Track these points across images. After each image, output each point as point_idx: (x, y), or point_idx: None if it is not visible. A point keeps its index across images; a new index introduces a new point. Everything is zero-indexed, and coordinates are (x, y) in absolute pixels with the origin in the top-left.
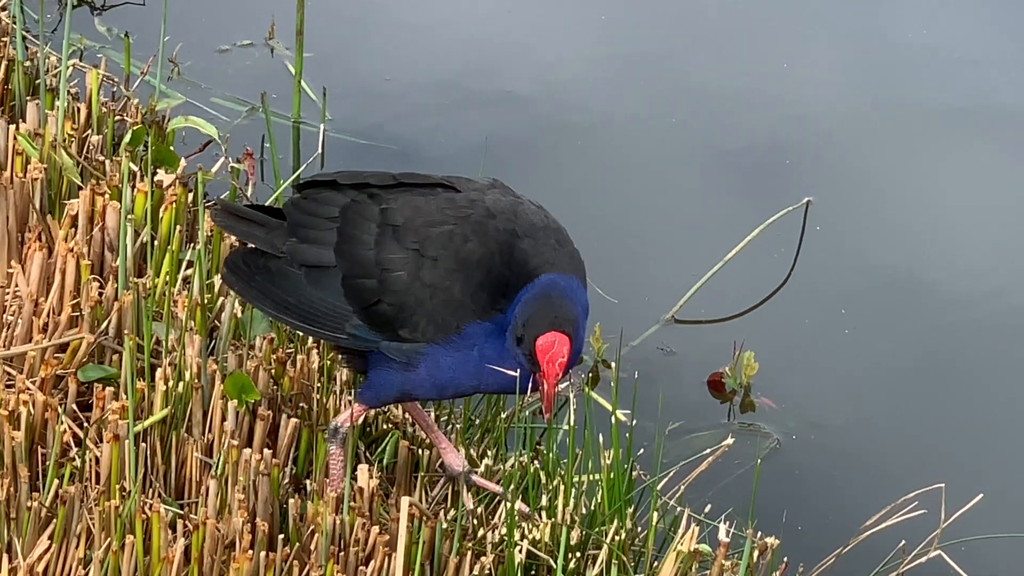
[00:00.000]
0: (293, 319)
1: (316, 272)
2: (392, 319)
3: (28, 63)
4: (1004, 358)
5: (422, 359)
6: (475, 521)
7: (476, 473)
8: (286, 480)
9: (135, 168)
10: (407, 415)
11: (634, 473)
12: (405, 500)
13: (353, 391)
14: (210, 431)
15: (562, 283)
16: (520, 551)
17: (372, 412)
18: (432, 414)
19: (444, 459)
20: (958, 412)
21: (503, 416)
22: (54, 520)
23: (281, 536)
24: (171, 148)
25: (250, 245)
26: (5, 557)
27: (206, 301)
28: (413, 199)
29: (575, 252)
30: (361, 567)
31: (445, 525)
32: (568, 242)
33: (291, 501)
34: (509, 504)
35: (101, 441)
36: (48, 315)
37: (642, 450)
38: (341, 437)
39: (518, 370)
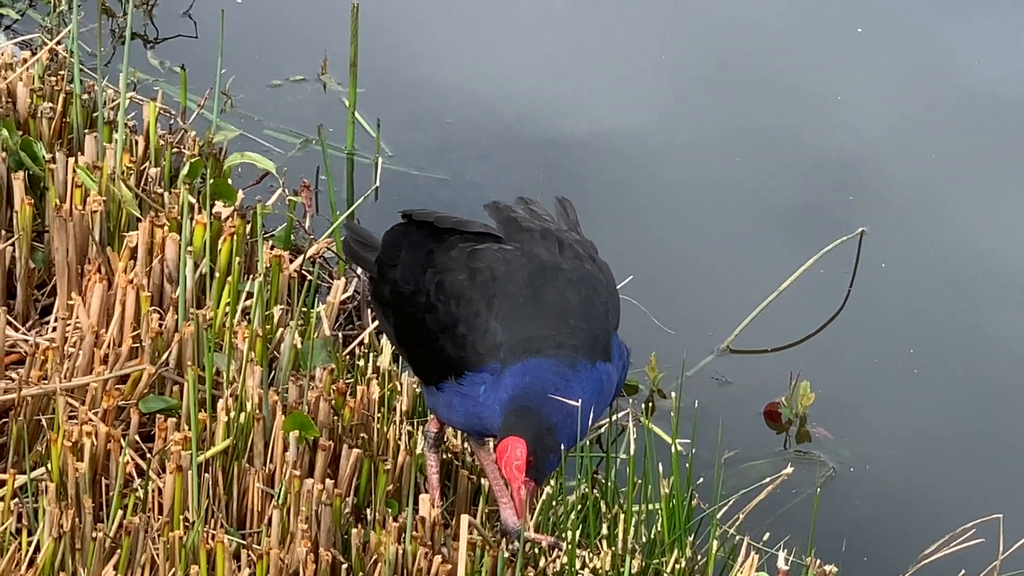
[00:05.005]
0: None
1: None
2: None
3: (85, 96)
4: None
5: (444, 393)
6: (536, 550)
7: (529, 528)
8: (348, 510)
9: (193, 200)
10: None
11: (693, 502)
12: (464, 519)
13: None
14: (271, 461)
15: (549, 377)
16: None
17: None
18: None
19: (502, 513)
20: (1017, 445)
21: None
22: (118, 551)
23: (344, 566)
24: (228, 181)
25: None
26: None
27: (265, 332)
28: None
29: (599, 329)
30: None
31: (507, 554)
32: (599, 317)
33: (353, 531)
34: (568, 544)
35: (164, 472)
36: (109, 346)
37: (701, 479)
38: (429, 443)
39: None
